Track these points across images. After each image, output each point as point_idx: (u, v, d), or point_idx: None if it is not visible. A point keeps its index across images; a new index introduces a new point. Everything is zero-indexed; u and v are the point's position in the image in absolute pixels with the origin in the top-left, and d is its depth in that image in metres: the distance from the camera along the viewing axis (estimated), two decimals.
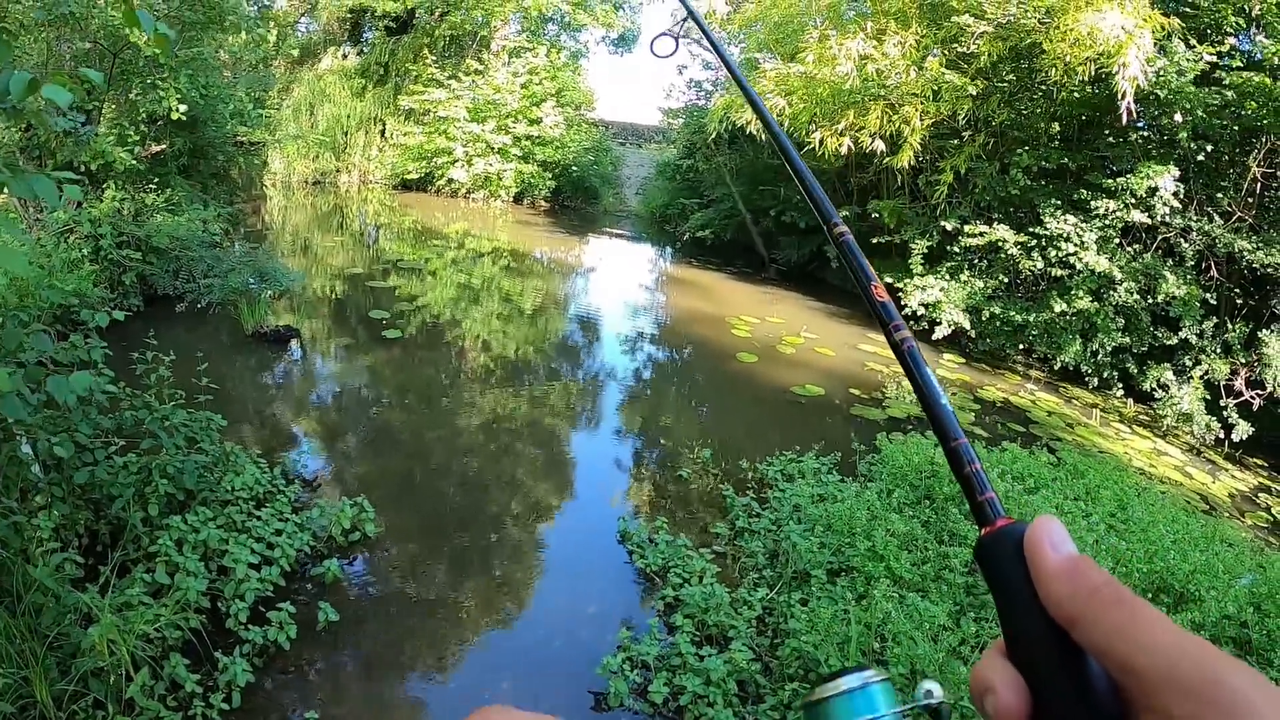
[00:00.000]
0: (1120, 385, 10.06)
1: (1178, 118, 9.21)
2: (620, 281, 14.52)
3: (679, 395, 8.47)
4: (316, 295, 10.09)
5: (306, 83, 20.13)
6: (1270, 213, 9.55)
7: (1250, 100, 8.74)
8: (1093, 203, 9.68)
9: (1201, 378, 9.13)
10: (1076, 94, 10.11)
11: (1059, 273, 10.01)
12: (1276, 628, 3.77)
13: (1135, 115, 9.14)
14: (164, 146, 9.02)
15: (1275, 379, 8.48)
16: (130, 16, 2.09)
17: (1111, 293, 9.66)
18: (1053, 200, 10.13)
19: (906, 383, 0.68)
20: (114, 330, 3.82)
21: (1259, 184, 9.40)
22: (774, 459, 6.07)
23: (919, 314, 10.86)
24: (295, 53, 18.69)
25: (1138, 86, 8.60)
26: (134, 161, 8.02)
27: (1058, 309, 9.87)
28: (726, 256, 16.74)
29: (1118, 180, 9.54)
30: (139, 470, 3.89)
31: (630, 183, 24.58)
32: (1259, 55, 9.22)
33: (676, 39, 1.57)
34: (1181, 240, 9.62)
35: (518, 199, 20.68)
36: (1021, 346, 10.76)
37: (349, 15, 22.30)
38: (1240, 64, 9.04)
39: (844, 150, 10.89)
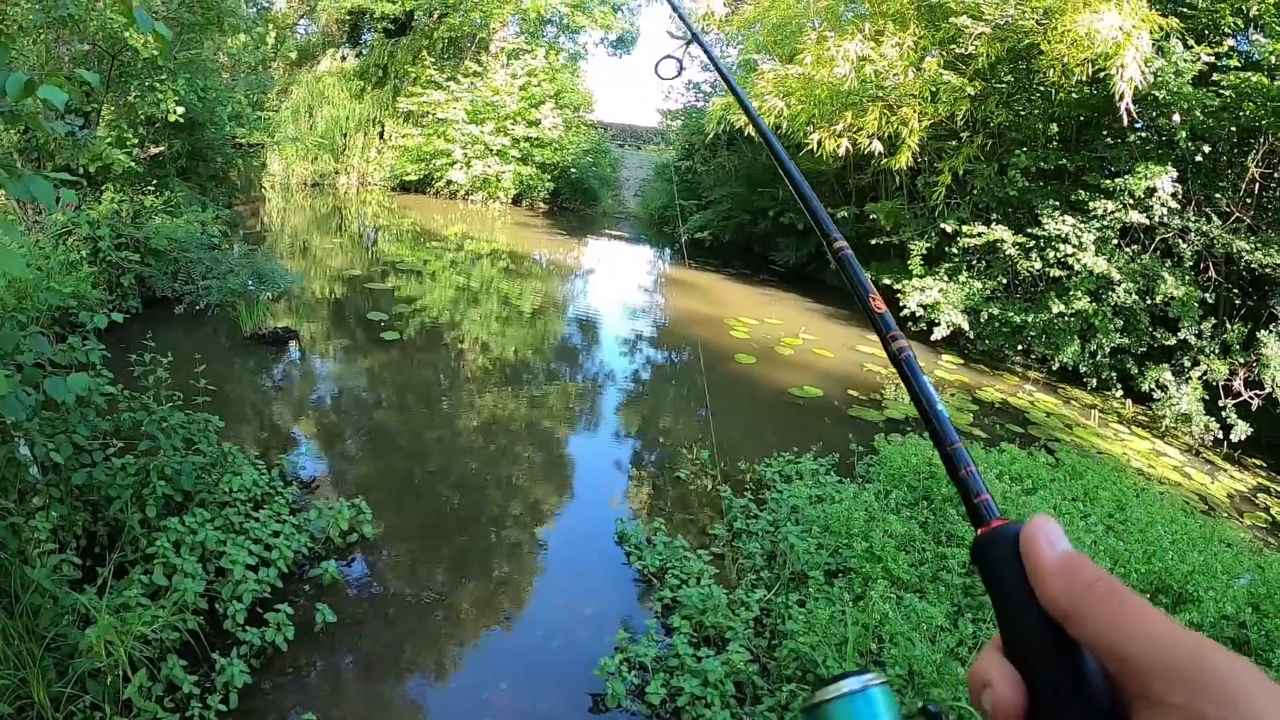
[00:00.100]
0: (1119, 386, 10.06)
1: (1176, 118, 9.23)
2: (619, 283, 14.53)
3: (677, 396, 8.47)
4: (315, 297, 10.09)
5: (305, 85, 20.14)
6: (1268, 213, 9.56)
7: (1248, 101, 8.75)
8: (1091, 204, 9.69)
9: (1200, 378, 9.13)
10: (1075, 95, 10.12)
11: (1057, 273, 10.01)
12: (1275, 628, 3.77)
13: (1134, 116, 9.15)
14: (162, 149, 9.01)
15: (1274, 379, 8.48)
16: (128, 15, 2.09)
17: (1110, 293, 9.66)
18: (1051, 201, 10.13)
19: (905, 386, 0.70)
20: (112, 332, 3.83)
21: (1257, 184, 9.41)
22: (772, 460, 6.07)
23: (917, 315, 10.87)
24: (293, 55, 18.70)
25: (1136, 87, 8.61)
26: (132, 164, 8.02)
27: (1056, 310, 9.88)
28: (725, 258, 16.75)
29: (1116, 181, 9.55)
30: (137, 472, 3.89)
31: (629, 184, 24.60)
32: (1257, 56, 9.23)
33: (680, 61, 1.59)
34: (1180, 241, 9.63)
35: (516, 201, 20.70)
36: (1020, 347, 10.76)
37: (348, 17, 22.32)
38: (1238, 64, 9.05)
39: (842, 151, 10.91)
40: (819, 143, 10.95)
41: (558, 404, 7.53)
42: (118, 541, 3.66)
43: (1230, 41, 9.46)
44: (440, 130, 19.89)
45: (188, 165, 9.90)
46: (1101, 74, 8.92)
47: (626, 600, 4.42)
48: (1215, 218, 9.55)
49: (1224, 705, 0.38)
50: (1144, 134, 10.01)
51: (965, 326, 10.64)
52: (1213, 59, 9.11)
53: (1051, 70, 9.47)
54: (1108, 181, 9.68)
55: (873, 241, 12.16)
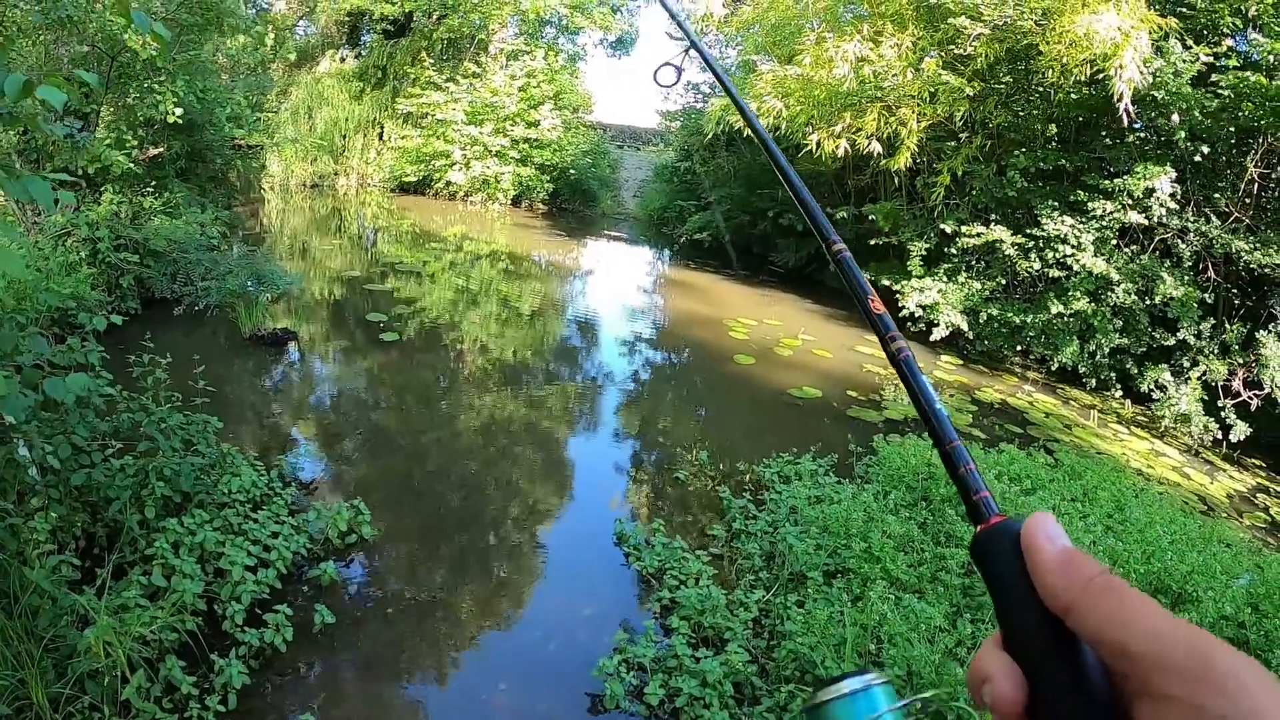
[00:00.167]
0: (1118, 386, 10.07)
1: (1175, 118, 9.24)
2: (618, 284, 14.53)
3: (676, 397, 8.47)
4: (314, 298, 10.09)
5: (304, 86, 20.14)
6: (1267, 213, 9.57)
7: (1247, 101, 8.76)
8: (1090, 204, 9.70)
9: (1199, 378, 9.14)
10: (1073, 95, 10.12)
11: (1056, 274, 10.02)
12: (1274, 628, 3.78)
13: (1133, 117, 9.16)
14: (161, 150, 9.01)
15: (1273, 379, 8.49)
16: (126, 16, 2.09)
17: (1109, 294, 9.67)
18: (1050, 202, 10.14)
19: (904, 385, 0.71)
20: (111, 333, 3.83)
21: (1256, 184, 9.42)
22: (771, 461, 6.08)
23: (916, 315, 10.87)
24: (292, 56, 18.72)
25: (1135, 88, 8.62)
26: (131, 165, 8.02)
27: (1055, 310, 9.88)
28: (724, 259, 16.75)
29: (1115, 181, 9.56)
30: (136, 473, 3.89)
31: (628, 185, 24.60)
32: (1256, 56, 9.24)
33: (678, 69, 1.59)
34: (1179, 241, 9.64)
35: (516, 202, 20.70)
36: (1019, 348, 10.77)
37: (347, 19, 22.33)
38: (1237, 64, 9.06)
39: (841, 152, 10.91)
40: (818, 143, 10.96)
41: (557, 405, 7.53)
42: (116, 542, 3.66)
43: (1229, 42, 9.48)
44: (439, 131, 19.90)
45: (187, 166, 9.90)
46: (1100, 75, 8.93)
47: (625, 601, 4.42)
48: (1214, 218, 9.56)
49: (1225, 700, 0.38)
50: (1143, 134, 10.02)
51: (964, 327, 10.65)
52: (1211, 59, 9.12)
53: (1050, 71, 9.48)
54: (1106, 182, 9.69)
55: (872, 242, 12.17)
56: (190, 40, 8.74)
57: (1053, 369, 10.45)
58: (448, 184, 19.99)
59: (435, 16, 20.66)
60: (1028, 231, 10.23)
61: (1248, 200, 9.53)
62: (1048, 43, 9.09)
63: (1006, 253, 10.31)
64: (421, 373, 7.94)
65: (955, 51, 10.28)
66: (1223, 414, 8.77)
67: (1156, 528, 4.85)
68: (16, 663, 2.78)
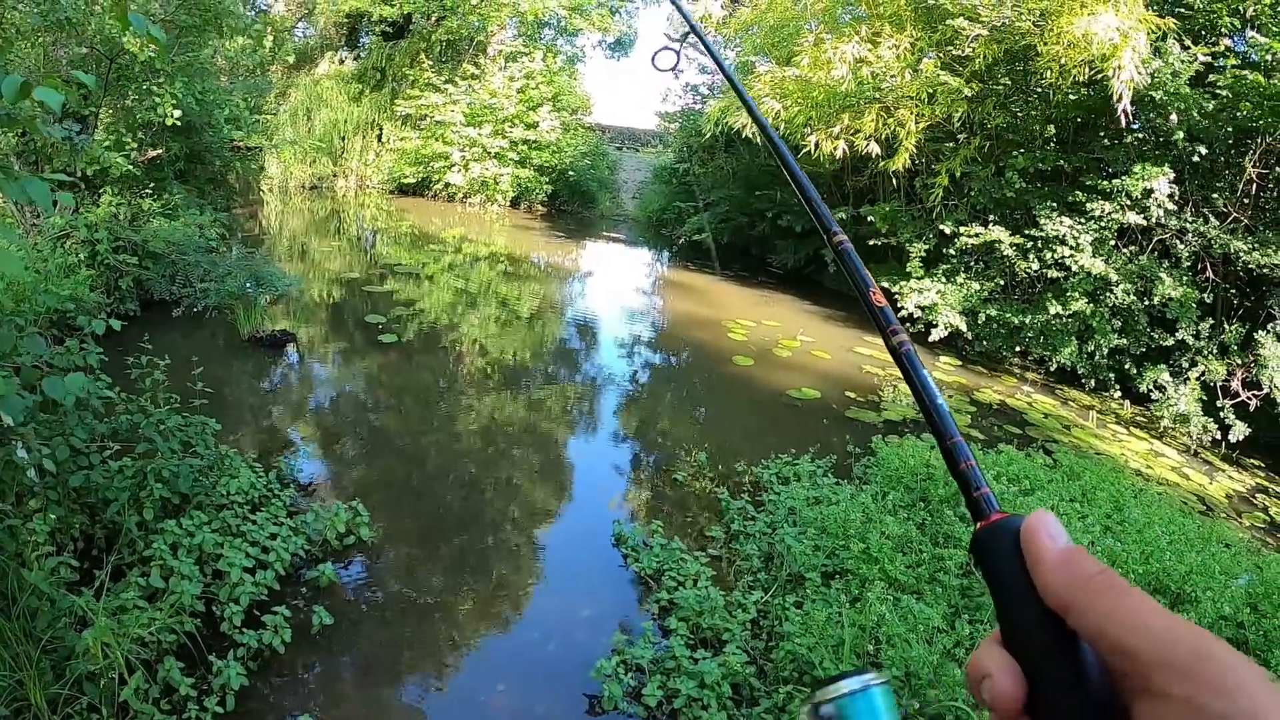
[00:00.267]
0: (1117, 387, 10.07)
1: (1173, 118, 9.24)
2: (617, 285, 14.53)
3: (675, 398, 8.47)
4: (313, 300, 10.09)
5: (303, 88, 20.13)
6: (1266, 213, 9.58)
7: (1245, 100, 8.77)
8: (1088, 205, 9.70)
9: (1198, 379, 9.14)
10: (1072, 96, 10.13)
11: (1055, 275, 10.03)
12: (1273, 628, 3.78)
13: (1132, 117, 9.17)
14: (160, 152, 9.01)
15: (1271, 380, 8.49)
16: (122, 18, 2.10)
17: (1108, 294, 9.67)
18: (1048, 202, 10.15)
19: (903, 386, 0.71)
20: (110, 335, 3.83)
21: (1254, 184, 9.42)
22: (769, 462, 6.08)
23: (915, 316, 10.87)
24: (291, 58, 18.70)
25: (1134, 88, 8.63)
26: (130, 167, 8.02)
27: (1053, 311, 9.88)
28: (723, 260, 16.76)
29: (1113, 182, 9.57)
30: (134, 474, 3.89)
31: (627, 187, 24.61)
32: (1254, 56, 9.24)
33: (677, 53, 1.59)
34: (1177, 241, 9.64)
35: (514, 203, 20.70)
36: (1018, 348, 10.77)
37: (346, 20, 22.33)
38: (1235, 64, 9.06)
39: (839, 154, 10.91)
40: (816, 145, 10.96)
41: (556, 406, 7.53)
42: (115, 544, 3.66)
43: (1226, 41, 9.49)
44: (438, 133, 19.90)
45: (186, 168, 9.89)
46: (1098, 75, 8.94)
47: (624, 602, 4.42)
48: (1213, 218, 9.57)
49: (1223, 698, 0.38)
50: (1141, 135, 10.02)
51: (963, 328, 10.65)
52: (1209, 59, 9.12)
53: (1049, 72, 9.49)
54: (1105, 183, 9.70)
55: (871, 243, 12.17)
56: (189, 42, 8.74)
57: (1051, 369, 10.45)
58: (446, 186, 19.99)
59: (434, 18, 20.66)
60: (1026, 232, 10.24)
61: (1246, 200, 9.54)
62: (1046, 44, 9.10)
63: (1005, 253, 10.32)
64: (420, 374, 7.94)
65: (953, 52, 10.29)
66: (1221, 414, 8.78)
67: (1155, 528, 4.85)
68: (15, 664, 2.78)
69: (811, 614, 3.76)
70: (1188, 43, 9.29)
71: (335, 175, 20.22)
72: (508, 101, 19.94)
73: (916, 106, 10.35)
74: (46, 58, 8.04)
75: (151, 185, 8.92)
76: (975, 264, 11.12)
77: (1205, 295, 9.45)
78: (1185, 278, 9.42)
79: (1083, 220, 9.79)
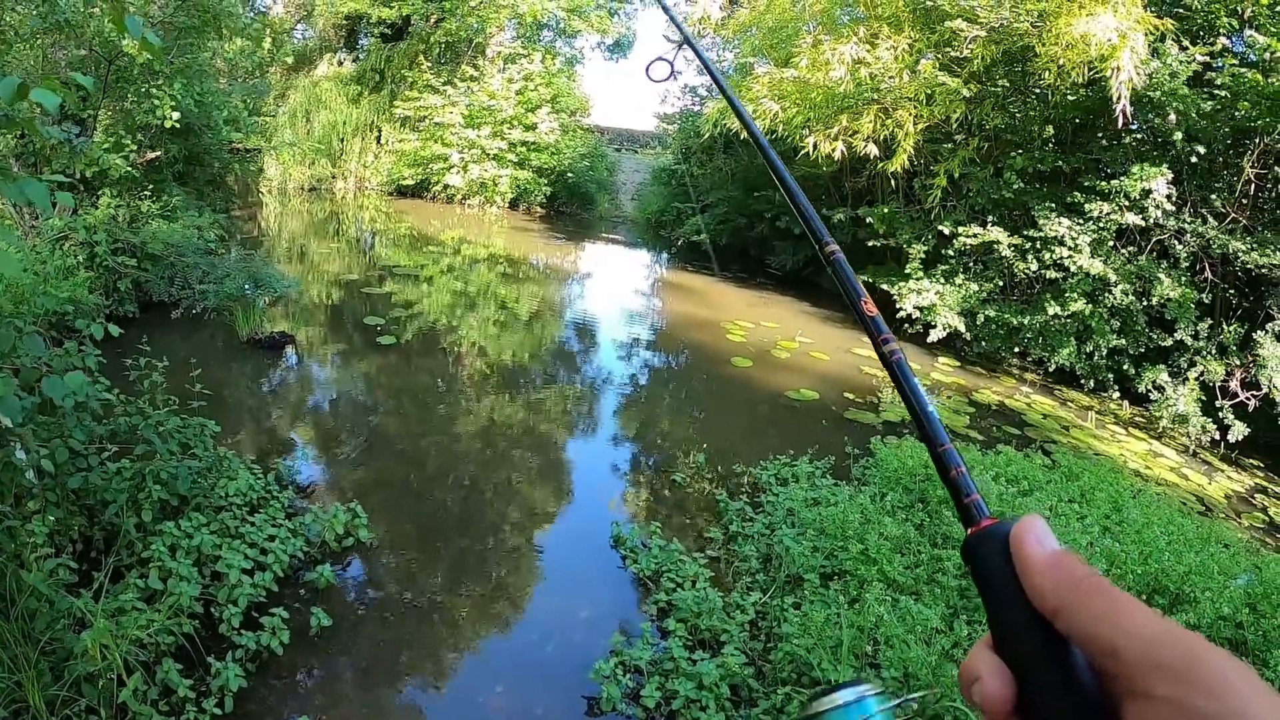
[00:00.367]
0: (1115, 387, 10.08)
1: (1171, 118, 9.24)
2: (615, 287, 14.54)
3: (674, 400, 8.48)
4: (312, 301, 10.09)
5: (302, 89, 20.13)
6: (1264, 213, 9.59)
7: (1243, 100, 8.78)
8: (1087, 205, 9.71)
9: (1197, 379, 9.15)
10: (1070, 97, 10.14)
11: (1053, 275, 10.04)
12: (1272, 628, 3.78)
13: (1130, 118, 9.17)
14: (159, 154, 9.01)
15: (1270, 380, 8.50)
16: (118, 22, 2.10)
17: (1106, 295, 9.68)
18: (1047, 203, 10.16)
19: (896, 387, 0.71)
20: (109, 337, 3.82)
21: (1253, 185, 9.43)
22: (768, 463, 6.08)
23: (914, 317, 10.88)
24: (290, 60, 18.71)
25: (1132, 88, 8.64)
26: (129, 169, 8.02)
27: (1052, 311, 9.89)
28: (721, 261, 16.76)
29: (1111, 183, 9.58)
30: (132, 476, 3.89)
31: (626, 188, 24.62)
32: (1252, 57, 9.25)
33: (671, 63, 1.59)
34: (1176, 242, 9.65)
35: (513, 205, 20.70)
36: (1016, 349, 10.77)
37: (345, 22, 22.34)
38: (1234, 63, 9.07)
39: (837, 155, 10.92)
40: (814, 146, 10.96)
41: (554, 408, 7.53)
42: (114, 545, 3.66)
43: (1224, 41, 9.50)
44: (437, 135, 19.90)
45: (184, 170, 9.90)
46: (1097, 76, 8.95)
47: (622, 603, 4.42)
48: (1211, 219, 9.58)
49: (1212, 699, 0.38)
50: (1139, 135, 10.03)
51: (962, 328, 10.65)
52: (1207, 59, 9.13)
53: (1047, 73, 9.50)
54: (1103, 183, 9.71)
55: (870, 244, 12.18)
56: (188, 44, 8.74)
57: (1050, 370, 10.46)
58: (445, 187, 19.99)
59: (433, 20, 20.67)
60: (1025, 233, 10.25)
61: (1244, 201, 9.55)
62: (1044, 45, 9.11)
63: (1003, 254, 10.33)
64: (419, 376, 7.94)
65: (952, 54, 10.29)
66: (1220, 414, 8.78)
67: (1154, 528, 4.85)
68: (14, 665, 2.78)
69: (810, 615, 3.76)
70: (1186, 43, 9.30)
71: (334, 177, 20.23)
72: (506, 103, 19.93)
73: (915, 107, 10.36)
74: (45, 59, 8.04)
75: (150, 187, 8.92)
76: (974, 265, 11.12)
77: (1204, 295, 9.46)
78: (1184, 278, 9.43)
79: (1081, 221, 9.80)
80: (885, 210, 12.00)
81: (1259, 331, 8.86)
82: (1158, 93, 9.11)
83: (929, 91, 10.24)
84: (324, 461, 5.76)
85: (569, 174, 21.09)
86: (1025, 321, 10.21)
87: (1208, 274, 9.60)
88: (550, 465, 6.29)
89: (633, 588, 4.52)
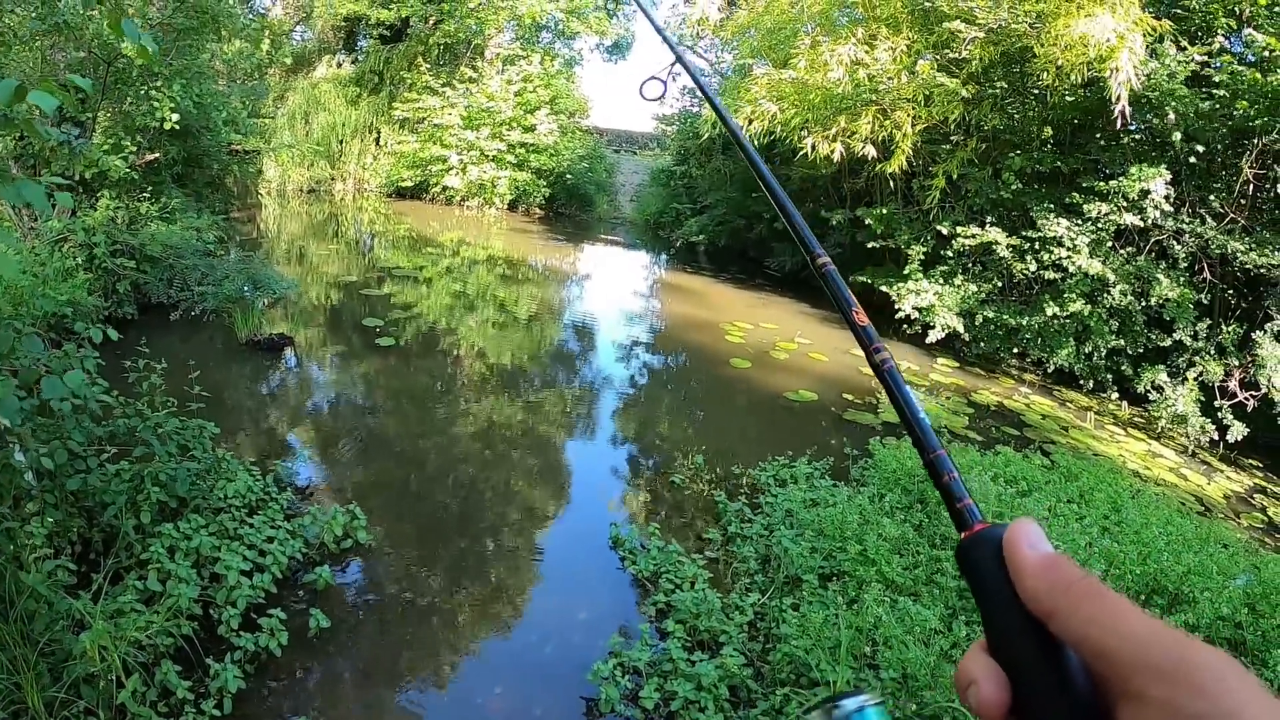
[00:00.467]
0: (1114, 388, 10.08)
1: (1170, 118, 9.25)
2: (615, 288, 14.54)
3: (673, 401, 8.48)
4: (311, 303, 10.09)
5: (301, 91, 20.16)
6: (1263, 214, 9.59)
7: (1241, 99, 8.78)
8: (1085, 206, 9.71)
9: (1196, 379, 9.15)
10: (1069, 98, 10.15)
11: (1052, 276, 10.04)
12: (1271, 628, 3.78)
13: (1129, 119, 9.18)
14: (158, 155, 9.01)
15: (1269, 380, 8.50)
16: (116, 26, 2.10)
17: (1105, 295, 9.69)
18: (1045, 204, 10.16)
19: (888, 395, 0.72)
20: (107, 339, 3.82)
21: (1251, 185, 9.43)
22: (766, 464, 6.08)
23: (913, 318, 10.88)
24: (289, 61, 18.73)
25: (1131, 89, 8.64)
26: (128, 170, 8.03)
27: (1051, 312, 9.89)
28: (720, 262, 16.77)
29: (1110, 183, 9.58)
30: (131, 478, 3.89)
31: (625, 190, 24.63)
32: (1251, 57, 9.25)
33: (664, 82, 1.60)
34: (1174, 242, 9.65)
35: (512, 206, 20.72)
36: (1015, 350, 10.77)
37: (344, 24, 22.36)
38: (1230, 62, 9.08)
39: (836, 156, 10.91)
40: (813, 147, 10.96)
41: (553, 409, 7.53)
42: (113, 547, 3.66)
43: (1222, 41, 9.50)
44: (436, 136, 19.92)
45: (184, 171, 9.90)
46: (1095, 77, 8.96)
47: (621, 605, 4.42)
48: (1209, 219, 9.58)
49: (1204, 699, 0.38)
50: (1137, 136, 10.04)
51: (960, 329, 10.65)
52: (1205, 58, 9.13)
53: (1045, 73, 9.50)
54: (1102, 184, 9.71)
55: (870, 246, 12.18)
56: (187, 45, 8.74)
57: (1049, 371, 10.47)
58: (444, 189, 20.01)
59: (432, 22, 20.68)
60: (1023, 233, 10.26)
61: (1243, 201, 9.55)
62: (1043, 46, 9.11)
63: (1002, 255, 10.33)
64: (418, 377, 7.95)
65: (950, 55, 10.30)
66: (1219, 415, 8.78)
67: (1153, 529, 4.85)
68: (12, 667, 2.78)
69: (809, 616, 3.76)
70: (1184, 44, 9.31)
71: (333, 179, 20.24)
72: (505, 105, 19.95)
73: (913, 108, 10.36)
74: (44, 61, 8.04)
75: (149, 189, 8.92)
76: (972, 265, 11.13)
77: (1202, 296, 9.46)
78: (1182, 278, 9.44)
79: (1080, 222, 9.80)
80: (884, 211, 12.00)
81: (1258, 331, 8.86)
82: (1156, 93, 9.11)
83: (927, 92, 10.24)
84: (323, 463, 5.76)
85: (568, 175, 21.10)
86: (1024, 322, 10.21)
87: (1206, 274, 9.60)
88: (549, 466, 6.29)
89: (631, 589, 4.52)
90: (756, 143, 11.34)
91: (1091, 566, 4.15)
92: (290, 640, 3.51)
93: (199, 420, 4.65)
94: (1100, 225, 9.67)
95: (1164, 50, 9.18)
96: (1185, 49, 9.19)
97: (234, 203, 13.65)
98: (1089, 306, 9.77)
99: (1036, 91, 10.65)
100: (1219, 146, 9.55)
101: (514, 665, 3.85)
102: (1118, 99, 8.65)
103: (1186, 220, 9.50)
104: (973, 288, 10.73)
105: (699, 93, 15.81)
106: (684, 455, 6.31)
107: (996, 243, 10.29)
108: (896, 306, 10.93)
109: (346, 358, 8.27)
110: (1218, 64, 9.09)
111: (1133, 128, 9.93)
